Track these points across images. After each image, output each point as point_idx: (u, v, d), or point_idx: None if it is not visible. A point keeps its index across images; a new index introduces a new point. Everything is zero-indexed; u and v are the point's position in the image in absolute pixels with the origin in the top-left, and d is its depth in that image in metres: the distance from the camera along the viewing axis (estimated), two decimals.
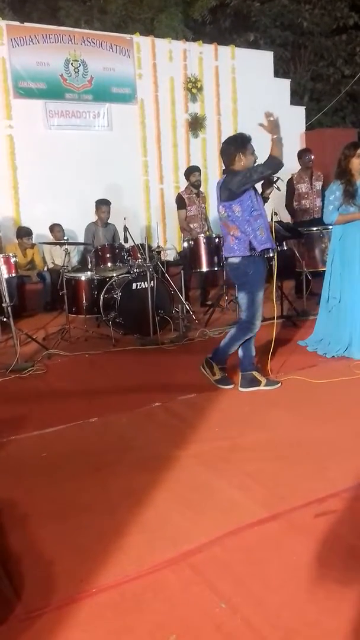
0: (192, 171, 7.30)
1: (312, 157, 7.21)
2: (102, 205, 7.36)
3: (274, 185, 4.31)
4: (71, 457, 3.29)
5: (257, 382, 4.21)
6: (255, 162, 4.08)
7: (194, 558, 2.29)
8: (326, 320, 5.00)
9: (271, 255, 4.28)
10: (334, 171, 4.83)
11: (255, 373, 4.24)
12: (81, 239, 7.69)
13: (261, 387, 4.20)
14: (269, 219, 6.48)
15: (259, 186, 4.28)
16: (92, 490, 2.88)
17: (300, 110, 10.87)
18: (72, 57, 8.45)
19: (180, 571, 2.22)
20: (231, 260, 4.15)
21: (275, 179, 4.25)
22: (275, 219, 6.53)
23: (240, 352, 4.28)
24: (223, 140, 4.29)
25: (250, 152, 4.05)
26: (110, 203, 7.44)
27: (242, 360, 4.27)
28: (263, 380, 4.22)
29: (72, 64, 8.45)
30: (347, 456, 3.09)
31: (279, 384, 4.25)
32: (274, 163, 3.93)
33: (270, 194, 4.34)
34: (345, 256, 4.80)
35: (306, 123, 10.95)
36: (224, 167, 4.32)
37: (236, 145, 4.05)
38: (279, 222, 6.29)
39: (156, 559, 2.29)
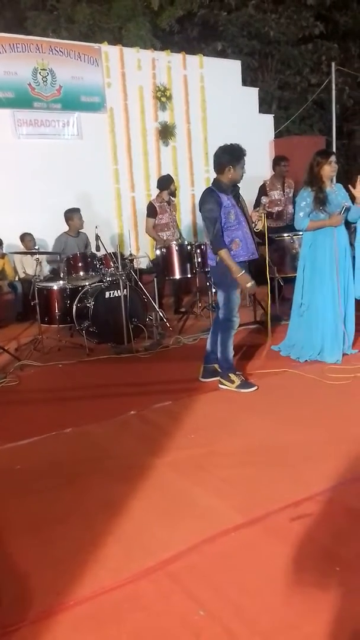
0: (170, 181, 7.25)
1: (288, 164, 7.29)
2: (75, 213, 7.23)
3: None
4: (46, 468, 3.26)
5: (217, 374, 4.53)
6: (242, 176, 4.25)
7: (171, 566, 2.28)
8: (298, 326, 5.05)
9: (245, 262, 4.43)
10: (304, 178, 4.89)
11: (216, 365, 4.49)
12: (52, 249, 7.62)
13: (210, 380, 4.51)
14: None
15: (246, 194, 4.58)
16: (67, 501, 2.86)
17: (269, 119, 10.99)
18: (40, 66, 8.41)
19: (158, 580, 2.21)
20: (209, 263, 4.44)
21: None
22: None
23: (207, 347, 4.57)
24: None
25: (241, 166, 4.21)
26: (79, 209, 7.35)
27: (209, 353, 4.56)
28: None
29: (40, 73, 8.41)
30: (321, 459, 3.13)
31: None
32: (215, 248, 4.15)
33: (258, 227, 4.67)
34: (316, 263, 4.86)
35: (275, 131, 11.08)
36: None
37: (231, 157, 4.15)
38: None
39: (133, 569, 2.28)
